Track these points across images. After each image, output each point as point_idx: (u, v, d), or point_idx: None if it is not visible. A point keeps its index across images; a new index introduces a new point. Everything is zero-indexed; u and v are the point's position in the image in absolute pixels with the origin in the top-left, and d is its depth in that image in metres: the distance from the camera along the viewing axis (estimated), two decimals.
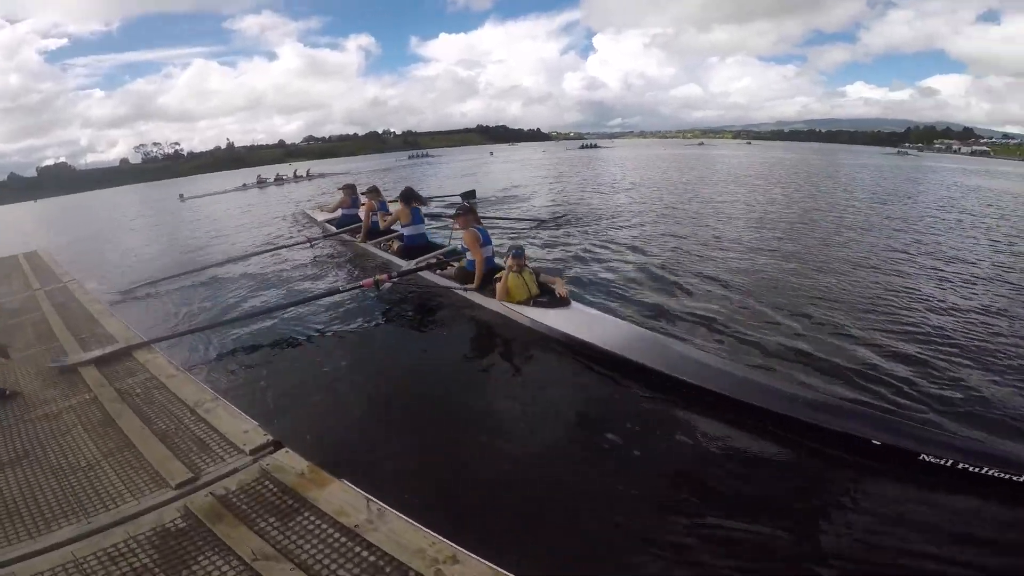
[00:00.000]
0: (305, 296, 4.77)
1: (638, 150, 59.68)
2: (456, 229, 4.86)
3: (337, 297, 4.74)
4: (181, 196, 23.31)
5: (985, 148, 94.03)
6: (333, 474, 2.09)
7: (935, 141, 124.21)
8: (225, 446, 2.36)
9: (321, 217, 8.95)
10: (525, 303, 3.99)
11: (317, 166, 42.24)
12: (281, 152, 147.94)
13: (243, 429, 2.45)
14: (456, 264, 4.93)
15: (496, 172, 27.00)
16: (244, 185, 26.07)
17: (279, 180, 26.99)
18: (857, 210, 11.31)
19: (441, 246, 5.80)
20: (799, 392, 2.81)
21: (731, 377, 2.90)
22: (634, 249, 7.11)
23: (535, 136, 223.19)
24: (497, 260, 4.69)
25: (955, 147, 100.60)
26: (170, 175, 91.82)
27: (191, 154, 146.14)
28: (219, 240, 10.28)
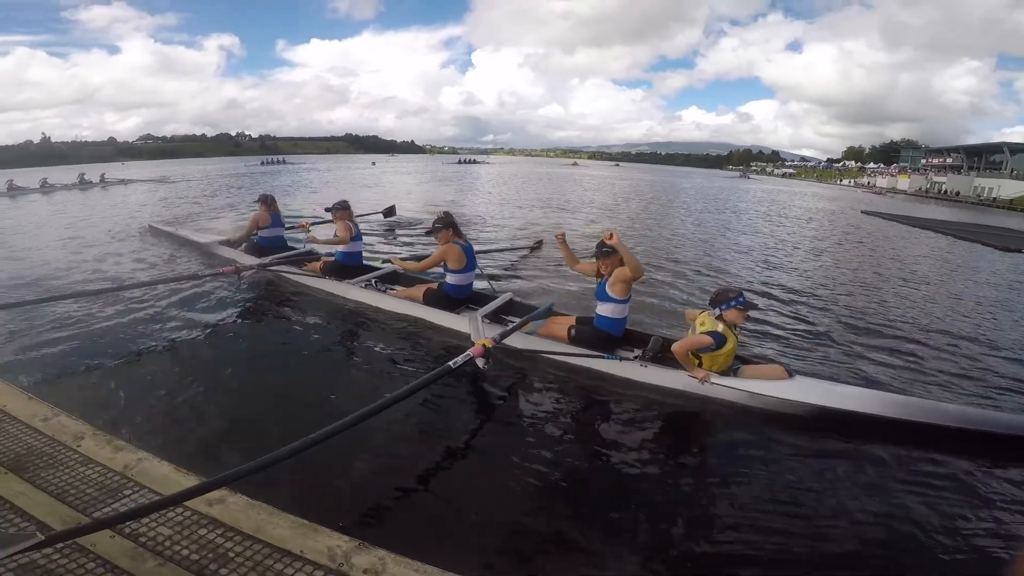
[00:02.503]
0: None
1: (519, 167, 61.35)
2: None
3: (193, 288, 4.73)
4: None
5: (791, 171, 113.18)
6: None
7: (752, 164, 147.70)
8: None
9: (226, 251, 6.27)
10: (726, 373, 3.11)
11: (149, 168, 37.43)
12: (112, 150, 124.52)
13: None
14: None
15: (391, 184, 24.17)
16: None
17: (44, 187, 18.31)
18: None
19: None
20: None
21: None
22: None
23: (409, 148, 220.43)
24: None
25: (769, 169, 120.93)
26: None
27: None
28: None
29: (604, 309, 3.43)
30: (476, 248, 4.55)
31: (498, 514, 2.17)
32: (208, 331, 4.04)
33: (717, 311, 3.01)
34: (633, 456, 2.63)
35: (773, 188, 41.91)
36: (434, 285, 4.36)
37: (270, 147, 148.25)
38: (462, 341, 3.60)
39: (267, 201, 5.93)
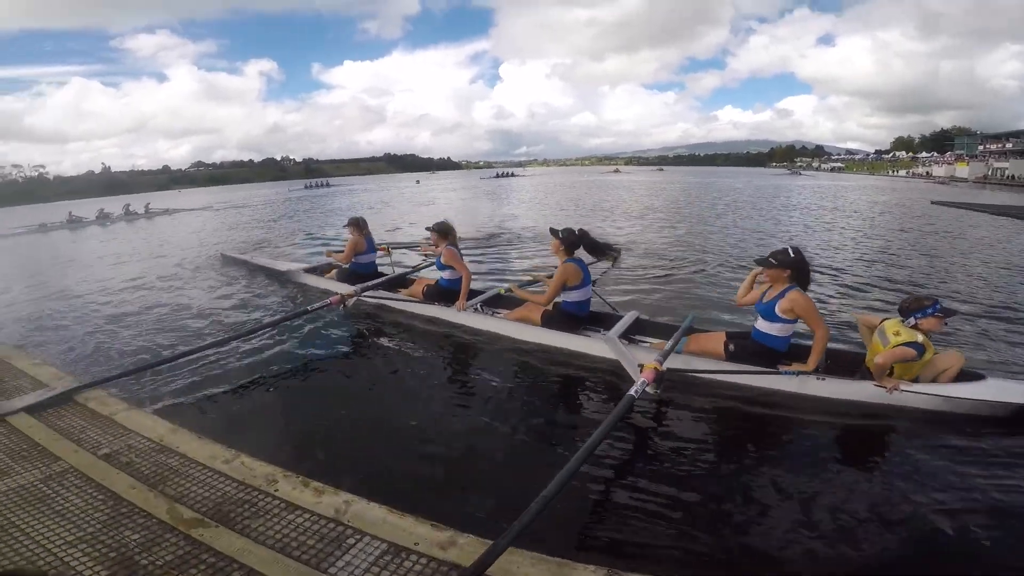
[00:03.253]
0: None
1: (559, 177, 61.56)
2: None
3: (298, 320, 4.61)
4: None
5: (840, 164, 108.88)
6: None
7: (796, 160, 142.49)
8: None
9: (312, 279, 6.39)
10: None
11: (195, 196, 37.76)
12: (166, 178, 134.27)
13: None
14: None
15: (447, 201, 24.53)
16: (43, 226, 18.92)
17: (102, 218, 20.53)
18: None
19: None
20: None
21: None
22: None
23: (446, 165, 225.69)
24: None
25: (815, 164, 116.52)
26: (32, 200, 75.90)
27: (59, 178, 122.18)
28: None
29: (766, 327, 3.13)
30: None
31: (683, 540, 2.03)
32: (335, 362, 4.04)
33: (912, 320, 2.85)
34: (826, 475, 2.46)
35: (828, 184, 40.30)
36: (550, 306, 4.09)
37: (315, 170, 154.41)
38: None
39: (360, 225, 5.57)
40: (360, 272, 5.59)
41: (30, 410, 2.80)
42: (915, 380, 2.91)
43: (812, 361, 2.95)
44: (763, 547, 2.00)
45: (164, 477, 2.19)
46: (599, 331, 3.97)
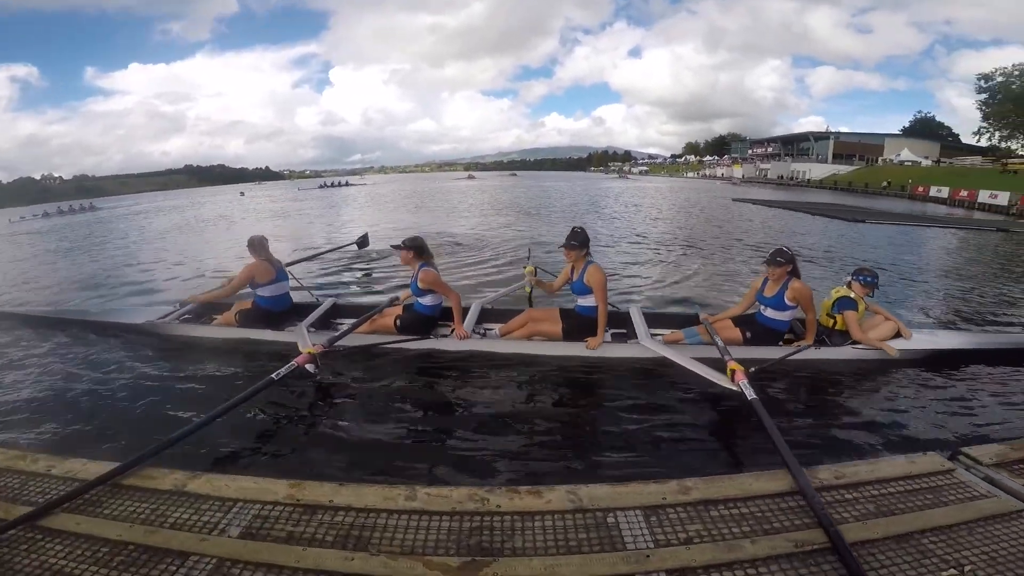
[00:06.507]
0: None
1: (406, 184, 60.26)
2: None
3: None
4: None
5: (646, 168, 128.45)
6: None
7: (610, 164, 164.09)
8: None
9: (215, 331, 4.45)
10: None
11: None
12: None
13: None
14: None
15: (303, 214, 19.14)
16: None
17: None
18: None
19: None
20: None
21: None
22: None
23: (264, 175, 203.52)
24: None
25: (626, 168, 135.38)
26: None
27: None
28: None
29: (776, 314, 3.61)
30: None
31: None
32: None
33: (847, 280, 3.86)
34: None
35: (647, 185, 47.89)
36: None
37: (91, 188, 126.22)
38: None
39: (258, 246, 4.37)
40: (272, 310, 4.31)
41: None
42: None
43: (810, 336, 3.66)
44: None
45: None
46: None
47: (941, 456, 2.13)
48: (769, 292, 3.62)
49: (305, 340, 3.48)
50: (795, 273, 3.57)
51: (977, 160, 43.04)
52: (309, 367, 3.10)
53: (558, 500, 1.80)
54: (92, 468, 2.07)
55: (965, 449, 2.15)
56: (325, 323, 4.39)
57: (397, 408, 3.15)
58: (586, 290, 3.64)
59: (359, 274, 7.85)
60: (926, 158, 48.58)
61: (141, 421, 3.00)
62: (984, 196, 22.49)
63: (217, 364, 3.86)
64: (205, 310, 4.76)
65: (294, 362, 3.06)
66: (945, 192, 26.27)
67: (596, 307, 3.62)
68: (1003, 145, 42.79)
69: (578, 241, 3.63)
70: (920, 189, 29.38)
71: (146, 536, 1.66)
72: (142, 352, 4.08)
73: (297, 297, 4.68)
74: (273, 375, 2.81)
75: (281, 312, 4.40)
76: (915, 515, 1.78)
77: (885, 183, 34.77)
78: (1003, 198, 21.04)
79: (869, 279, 3.78)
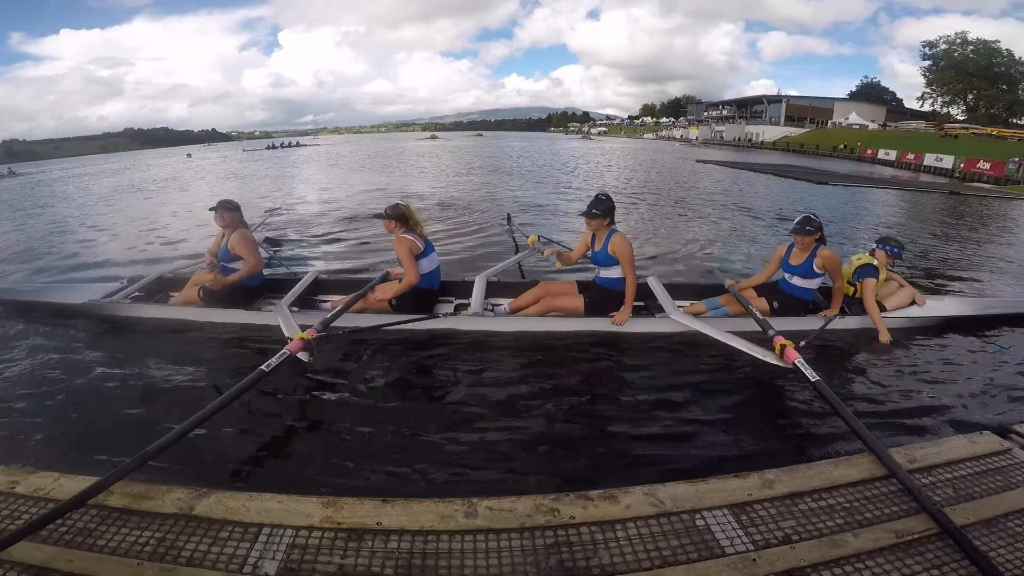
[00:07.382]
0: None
1: (371, 144, 57.53)
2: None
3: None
4: None
5: (604, 128, 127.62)
6: None
7: (570, 124, 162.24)
8: None
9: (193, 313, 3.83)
10: None
11: None
12: None
13: None
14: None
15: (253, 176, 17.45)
16: None
17: None
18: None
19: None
20: None
21: None
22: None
23: (212, 137, 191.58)
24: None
25: (585, 129, 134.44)
26: None
27: None
28: None
29: (804, 283, 3.50)
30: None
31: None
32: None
33: (872, 248, 3.81)
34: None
35: (608, 145, 47.69)
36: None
37: (21, 152, 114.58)
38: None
39: (232, 208, 3.83)
40: (247, 285, 3.81)
41: None
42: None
43: (835, 305, 3.53)
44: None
45: None
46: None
47: (994, 435, 2.09)
48: (796, 260, 3.46)
49: (291, 323, 3.08)
50: (822, 240, 3.43)
51: (921, 124, 45.26)
52: (302, 355, 2.68)
53: (637, 504, 1.61)
54: (68, 485, 1.70)
55: (1017, 427, 2.12)
56: (305, 300, 3.87)
57: (409, 398, 2.83)
58: (611, 261, 3.38)
59: (339, 244, 6.95)
60: (872, 122, 50.56)
61: (95, 425, 2.49)
62: (930, 159, 23.70)
63: (181, 351, 3.27)
64: (160, 287, 4.17)
65: (286, 350, 2.61)
66: (893, 155, 27.46)
67: (621, 279, 3.38)
68: (944, 111, 45.12)
69: (601, 209, 3.33)
70: (869, 152, 30.63)
71: None
72: (86, 338, 3.47)
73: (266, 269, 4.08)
74: (264, 366, 2.39)
75: (254, 288, 3.88)
76: (1000, 497, 1.71)
77: (841, 146, 35.96)
78: (947, 161, 22.26)
79: (895, 249, 3.68)
